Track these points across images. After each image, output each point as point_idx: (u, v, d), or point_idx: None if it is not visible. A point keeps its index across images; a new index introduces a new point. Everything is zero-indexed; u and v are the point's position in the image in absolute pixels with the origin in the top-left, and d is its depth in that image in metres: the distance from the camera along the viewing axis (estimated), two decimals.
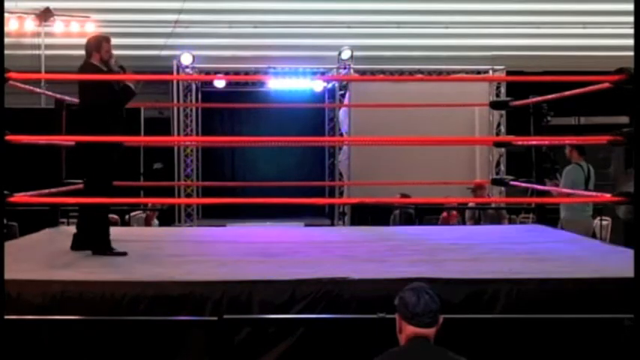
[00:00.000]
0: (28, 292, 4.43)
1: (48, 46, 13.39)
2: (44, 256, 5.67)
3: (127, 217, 10.45)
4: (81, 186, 7.49)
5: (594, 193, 7.67)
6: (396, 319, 3.07)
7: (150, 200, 10.26)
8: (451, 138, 11.45)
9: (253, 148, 13.19)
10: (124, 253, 5.68)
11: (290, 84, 13.30)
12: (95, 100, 5.82)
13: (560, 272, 4.88)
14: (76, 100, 7.83)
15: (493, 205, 10.72)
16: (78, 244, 5.94)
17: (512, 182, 8.51)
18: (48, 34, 13.34)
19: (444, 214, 10.50)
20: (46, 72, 12.73)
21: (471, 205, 10.57)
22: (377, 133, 10.76)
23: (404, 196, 9.76)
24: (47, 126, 7.31)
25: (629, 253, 4.53)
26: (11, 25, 12.79)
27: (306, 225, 10.59)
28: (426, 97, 10.38)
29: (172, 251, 6.06)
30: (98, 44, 6.00)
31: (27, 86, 6.68)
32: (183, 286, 4.56)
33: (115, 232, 6.04)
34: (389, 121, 11.34)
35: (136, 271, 5.08)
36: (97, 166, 5.82)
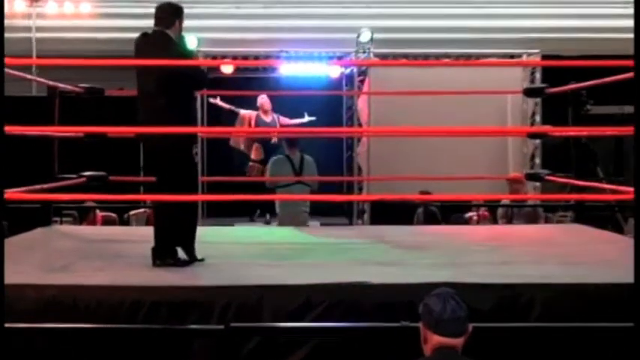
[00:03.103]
0: (21, 297, 4.43)
1: (39, 29, 13.46)
2: (38, 258, 5.69)
3: (125, 215, 10.48)
4: (75, 181, 7.57)
5: None
6: (420, 328, 3.08)
7: (151, 197, 10.26)
8: (481, 128, 11.41)
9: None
10: (193, 262, 5.55)
11: (304, 69, 13.28)
12: (186, 88, 5.56)
13: (601, 277, 4.87)
14: (70, 87, 7.94)
15: (528, 203, 10.70)
16: (159, 254, 5.55)
17: (548, 177, 8.48)
18: (40, 16, 13.32)
19: (473, 213, 10.49)
20: (38, 57, 12.80)
21: (503, 202, 10.55)
22: (399, 123, 10.73)
23: (424, 193, 9.75)
24: (40, 115, 7.35)
25: None
26: None
27: (322, 224, 10.59)
28: (454, 84, 10.33)
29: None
30: (179, 11, 5.61)
31: (19, 73, 6.70)
32: (186, 292, 4.58)
33: (112, 231, 6.07)
34: (412, 110, 11.31)
35: (136, 275, 5.09)
36: (181, 162, 5.63)
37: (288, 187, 9.10)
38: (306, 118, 12.37)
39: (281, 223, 9.04)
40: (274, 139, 11.76)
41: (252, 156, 12.26)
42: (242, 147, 12.40)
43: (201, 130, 11.77)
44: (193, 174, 5.94)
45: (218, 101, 12.18)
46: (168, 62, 5.40)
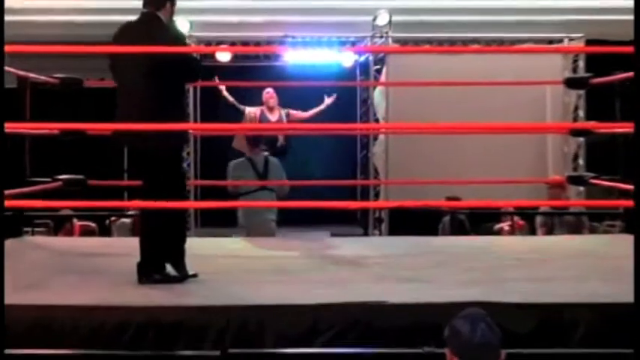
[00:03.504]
0: None
1: (7, 11, 13.41)
2: (7, 275, 5.66)
3: (107, 222, 10.50)
4: (50, 186, 7.57)
5: None
6: (446, 355, 3.07)
7: (136, 204, 10.26)
8: (516, 125, 11.37)
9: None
10: (184, 278, 5.57)
11: (312, 57, 13.30)
12: (177, 79, 5.61)
13: None
14: (43, 78, 7.95)
15: (571, 210, 10.68)
16: (145, 270, 5.57)
17: (593, 181, 8.47)
18: None
19: (505, 223, 10.47)
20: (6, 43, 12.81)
21: (542, 209, 10.53)
22: (421, 118, 10.72)
23: (451, 199, 9.74)
24: (8, 110, 7.36)
25: None
26: None
27: (333, 235, 10.59)
28: (484, 73, 10.31)
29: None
30: None
31: None
32: (177, 312, 4.61)
33: (92, 243, 6.09)
34: (437, 103, 11.31)
35: (119, 293, 5.12)
36: (171, 165, 5.69)
37: (250, 194, 9.14)
38: (327, 101, 12.11)
39: (243, 232, 9.06)
40: (280, 141, 11.64)
41: None
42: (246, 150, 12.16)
43: (195, 128, 11.78)
44: (182, 178, 5.96)
45: (224, 91, 11.98)
46: (158, 49, 5.44)
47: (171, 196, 5.52)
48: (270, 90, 11.81)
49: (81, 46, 7.40)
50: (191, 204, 11.32)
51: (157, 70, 5.42)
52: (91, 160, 8.56)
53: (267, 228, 9.02)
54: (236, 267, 6.32)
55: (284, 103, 12.04)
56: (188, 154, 12.83)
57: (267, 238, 8.58)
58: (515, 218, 10.53)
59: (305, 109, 12.12)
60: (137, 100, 5.47)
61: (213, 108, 13.06)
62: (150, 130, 5.38)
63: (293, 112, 11.98)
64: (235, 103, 12.06)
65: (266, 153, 9.53)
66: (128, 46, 5.52)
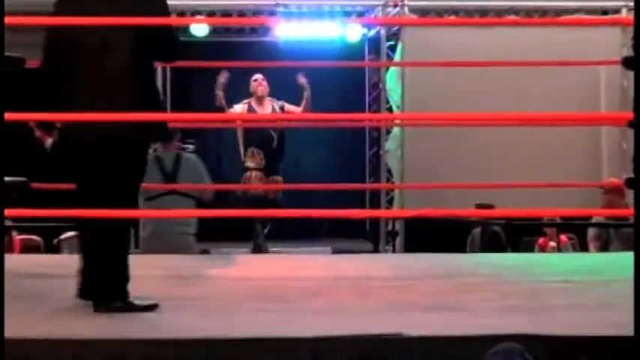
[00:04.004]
0: None
1: None
2: None
3: (55, 240, 10.52)
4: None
5: None
6: None
7: (91, 214, 10.29)
8: (563, 115, 11.41)
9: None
10: (153, 307, 5.59)
11: (310, 31, 13.34)
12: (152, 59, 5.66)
13: None
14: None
15: (630, 220, 10.70)
16: (88, 287, 5.61)
17: None
18: None
19: (549, 237, 10.50)
20: None
21: (596, 219, 10.54)
22: (445, 107, 10.76)
23: (483, 207, 9.76)
24: None
25: None
26: None
27: (335, 252, 10.63)
28: (523, 52, 10.37)
29: (130, 292, 6.11)
30: None
31: None
32: (147, 347, 4.60)
33: (36, 261, 6.10)
34: (464, 89, 11.35)
35: (71, 324, 5.07)
36: (134, 166, 5.70)
37: (154, 199, 9.10)
38: (301, 80, 11.24)
39: (147, 249, 9.05)
40: (275, 143, 11.20)
41: (249, 162, 11.72)
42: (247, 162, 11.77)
43: (168, 119, 11.76)
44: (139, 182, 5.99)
45: (219, 90, 11.21)
46: (129, 21, 5.45)
47: (128, 201, 5.59)
48: (259, 76, 11.35)
49: (25, 16, 7.42)
50: (162, 213, 11.41)
51: (141, 45, 5.48)
52: (36, 160, 8.53)
53: (178, 243, 8.95)
54: (214, 291, 6.34)
55: (275, 91, 11.78)
56: (155, 150, 12.85)
57: (250, 256, 8.56)
58: (562, 231, 10.56)
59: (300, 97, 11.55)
60: (101, 85, 5.47)
61: (186, 93, 13.10)
62: (125, 121, 5.40)
63: (290, 106, 11.41)
64: (224, 104, 11.28)
65: (191, 148, 9.45)
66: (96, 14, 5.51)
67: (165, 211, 8.91)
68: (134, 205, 5.77)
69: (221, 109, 11.20)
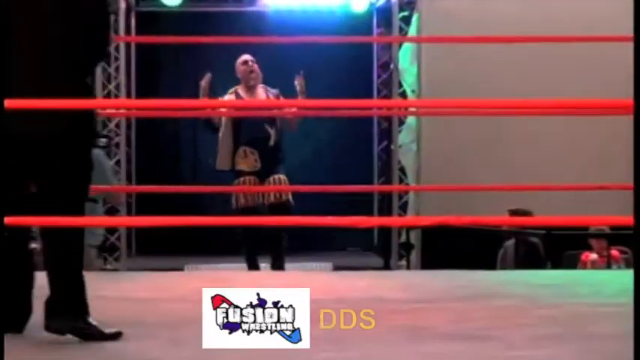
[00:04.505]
0: None
1: None
2: None
3: None
4: None
5: None
6: None
7: (34, 221, 10.38)
8: (611, 101, 11.48)
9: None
10: (116, 335, 5.68)
11: (305, 1, 13.47)
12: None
13: None
14: None
15: None
16: (59, 311, 5.69)
17: None
18: None
19: (589, 253, 10.61)
20: None
21: None
22: (468, 93, 10.86)
23: (517, 214, 9.86)
24: None
25: None
26: None
27: (337, 268, 10.74)
28: (562, 24, 10.48)
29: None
30: None
31: None
32: None
33: None
34: (491, 70, 11.44)
35: (20, 348, 5.20)
36: (81, 161, 5.92)
37: None
38: (298, 81, 11.18)
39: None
40: (274, 138, 11.14)
41: (240, 165, 11.46)
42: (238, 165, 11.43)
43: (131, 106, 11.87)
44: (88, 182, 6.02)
45: (204, 80, 11.13)
46: None
47: (78, 207, 5.84)
48: (248, 58, 11.01)
49: None
50: (122, 221, 11.48)
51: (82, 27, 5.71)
52: None
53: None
54: (192, 316, 6.44)
55: (262, 68, 11.49)
56: (117, 145, 12.95)
57: (227, 272, 8.62)
58: (612, 243, 10.68)
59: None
60: (38, 73, 5.69)
61: (154, 74, 13.20)
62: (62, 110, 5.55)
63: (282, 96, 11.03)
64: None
65: (103, 142, 9.49)
66: None
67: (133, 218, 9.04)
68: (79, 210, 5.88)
69: (209, 122, 11.43)
